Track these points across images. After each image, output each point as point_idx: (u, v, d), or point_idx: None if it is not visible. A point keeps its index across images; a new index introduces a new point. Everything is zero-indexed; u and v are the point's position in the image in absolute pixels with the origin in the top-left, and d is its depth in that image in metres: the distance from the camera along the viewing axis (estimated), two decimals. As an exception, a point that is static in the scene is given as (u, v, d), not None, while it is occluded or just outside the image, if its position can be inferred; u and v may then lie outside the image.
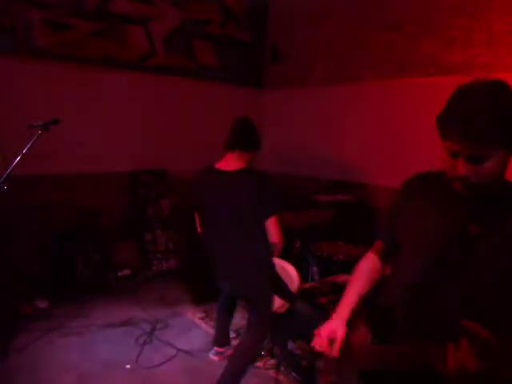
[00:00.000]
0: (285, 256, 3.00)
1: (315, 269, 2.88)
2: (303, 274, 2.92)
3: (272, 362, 2.68)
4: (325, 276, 2.75)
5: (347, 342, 1.20)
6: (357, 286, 1.31)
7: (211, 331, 3.11)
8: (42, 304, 3.27)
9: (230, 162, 2.38)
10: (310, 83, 4.43)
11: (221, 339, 2.77)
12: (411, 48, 3.50)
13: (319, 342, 1.20)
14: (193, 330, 3.14)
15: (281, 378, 2.55)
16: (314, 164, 4.36)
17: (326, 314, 2.22)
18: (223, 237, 2.31)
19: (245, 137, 2.44)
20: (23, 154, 2.60)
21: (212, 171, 2.39)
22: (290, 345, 2.48)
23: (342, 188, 3.93)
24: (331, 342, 1.19)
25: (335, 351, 1.18)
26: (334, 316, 1.25)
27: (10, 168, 2.54)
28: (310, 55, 4.44)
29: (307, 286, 2.65)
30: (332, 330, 1.20)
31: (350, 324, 1.22)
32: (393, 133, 3.56)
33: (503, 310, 1.05)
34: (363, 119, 3.89)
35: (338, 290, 1.36)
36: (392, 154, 3.53)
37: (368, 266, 1.36)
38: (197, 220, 2.52)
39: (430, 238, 1.15)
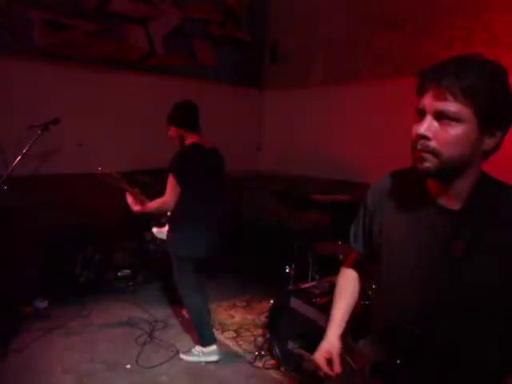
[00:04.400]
0: (285, 255, 3.00)
1: (315, 269, 2.87)
2: (303, 274, 2.93)
3: (272, 361, 2.68)
4: (325, 276, 2.75)
5: (347, 361, 1.19)
6: (342, 304, 1.28)
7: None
8: (42, 304, 3.27)
9: (204, 141, 2.71)
10: (310, 83, 4.43)
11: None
12: (411, 48, 3.50)
13: (319, 364, 1.22)
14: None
15: (281, 377, 2.56)
16: (313, 164, 4.36)
17: (325, 314, 2.23)
18: (209, 207, 2.65)
19: (198, 119, 2.81)
20: (23, 154, 2.61)
21: (201, 148, 2.69)
22: (290, 345, 2.48)
23: (341, 188, 3.93)
24: (329, 361, 1.20)
25: (336, 368, 1.18)
26: (326, 336, 1.25)
27: (10, 168, 2.55)
28: (309, 55, 4.44)
29: (307, 285, 2.65)
30: (327, 351, 1.21)
31: (349, 349, 1.22)
32: (393, 133, 3.56)
33: (500, 338, 0.98)
34: (363, 119, 3.88)
35: (335, 286, 1.34)
36: (392, 153, 3.52)
37: (348, 282, 1.31)
38: (174, 188, 2.59)
39: (410, 265, 1.04)
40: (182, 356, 2.75)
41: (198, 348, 2.73)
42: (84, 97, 3.66)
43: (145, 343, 2.88)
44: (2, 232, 3.10)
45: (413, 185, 1.06)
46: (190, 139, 2.74)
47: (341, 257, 2.77)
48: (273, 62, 4.90)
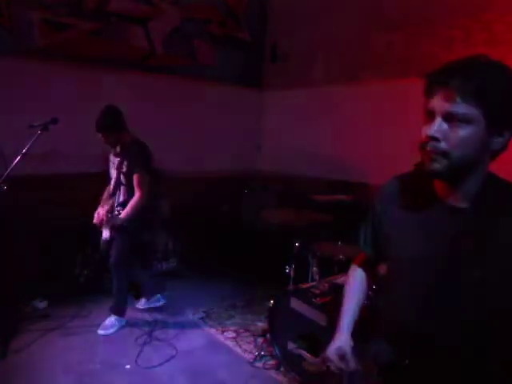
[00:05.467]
0: (285, 255, 3.00)
1: (315, 269, 2.87)
2: (303, 274, 2.93)
3: (272, 362, 2.68)
4: (325, 276, 2.75)
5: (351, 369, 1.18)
6: (351, 303, 1.28)
7: (211, 331, 3.11)
8: (42, 304, 3.27)
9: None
10: (310, 83, 4.43)
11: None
12: (411, 48, 3.50)
13: (331, 362, 1.19)
14: (193, 329, 3.14)
15: (281, 378, 2.56)
16: (313, 164, 4.36)
17: (325, 314, 2.23)
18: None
19: None
20: (23, 154, 2.61)
21: (144, 143, 3.05)
22: (290, 345, 2.48)
23: (341, 188, 3.93)
24: (342, 358, 1.18)
25: (351, 364, 1.16)
26: (337, 335, 1.23)
27: (10, 168, 2.55)
28: (309, 55, 4.44)
29: (307, 285, 2.65)
30: (339, 348, 1.19)
31: (355, 350, 1.20)
32: (393, 133, 3.56)
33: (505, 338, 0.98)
34: (363, 119, 3.88)
35: (338, 291, 1.34)
36: (392, 153, 3.52)
37: (357, 281, 1.32)
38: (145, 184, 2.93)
39: (418, 264, 1.04)
40: (101, 331, 2.99)
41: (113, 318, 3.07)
42: (84, 97, 3.66)
43: (145, 343, 2.88)
44: (2, 232, 3.10)
45: (420, 186, 1.07)
46: (129, 138, 3.00)
47: (341, 257, 2.77)
48: (273, 62, 4.90)
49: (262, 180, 4.89)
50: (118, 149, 3.02)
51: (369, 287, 1.33)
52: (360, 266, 1.33)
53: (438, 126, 0.92)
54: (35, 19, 3.40)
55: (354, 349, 1.20)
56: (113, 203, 3.06)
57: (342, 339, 1.21)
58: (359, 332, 1.24)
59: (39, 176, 3.41)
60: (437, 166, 0.93)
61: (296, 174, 4.54)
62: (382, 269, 1.25)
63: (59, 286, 3.39)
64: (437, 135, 0.92)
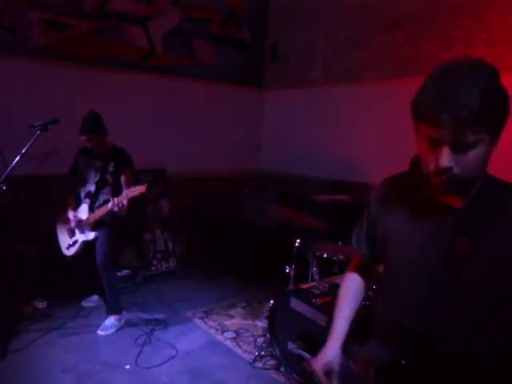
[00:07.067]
0: (285, 255, 3.00)
1: (315, 269, 2.87)
2: (303, 274, 2.93)
3: (272, 362, 2.68)
4: (325, 276, 2.75)
5: (348, 370, 1.17)
6: (345, 311, 1.25)
7: (211, 331, 3.11)
8: (42, 304, 3.27)
9: None
10: (310, 83, 4.43)
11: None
12: (411, 48, 3.50)
13: (317, 375, 1.17)
14: (193, 330, 3.14)
15: (281, 378, 2.55)
16: (313, 164, 4.36)
17: (325, 315, 2.23)
18: None
19: None
20: (23, 154, 2.61)
21: None
22: (290, 345, 2.48)
23: (341, 188, 3.93)
24: (328, 374, 1.16)
25: (335, 382, 1.15)
26: (327, 346, 1.21)
27: (10, 168, 2.55)
28: (309, 55, 4.44)
29: (307, 286, 2.65)
30: (327, 363, 1.17)
31: (350, 353, 1.19)
32: (393, 133, 3.56)
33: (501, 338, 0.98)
34: (363, 119, 3.88)
35: (338, 291, 1.33)
36: (392, 153, 3.52)
37: (351, 288, 1.30)
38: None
39: (415, 264, 1.04)
40: (101, 332, 2.98)
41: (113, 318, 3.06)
42: (84, 97, 3.66)
43: (144, 343, 2.88)
44: (2, 232, 3.10)
45: (414, 186, 1.07)
46: (109, 142, 3.10)
47: (341, 257, 2.76)
48: (273, 62, 4.90)
49: (261, 180, 4.89)
50: (100, 152, 3.06)
51: (367, 289, 1.32)
52: (355, 270, 1.31)
53: (448, 155, 0.90)
54: (35, 19, 3.40)
55: (348, 352, 1.19)
56: (90, 204, 3.07)
57: (332, 353, 1.19)
58: (357, 332, 1.24)
59: (39, 176, 3.41)
60: (451, 188, 0.95)
61: (296, 173, 4.54)
62: (382, 268, 1.24)
63: (59, 286, 3.38)
64: (451, 164, 0.91)
